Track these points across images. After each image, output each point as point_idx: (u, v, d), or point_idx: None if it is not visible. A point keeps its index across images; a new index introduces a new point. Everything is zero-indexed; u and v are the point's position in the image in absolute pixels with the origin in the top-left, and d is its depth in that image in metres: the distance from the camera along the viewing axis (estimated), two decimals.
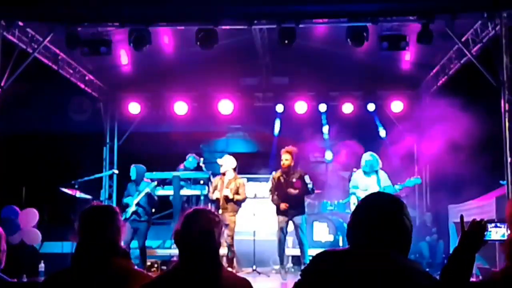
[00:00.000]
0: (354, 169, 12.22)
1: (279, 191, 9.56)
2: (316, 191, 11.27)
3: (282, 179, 9.57)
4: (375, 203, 2.64)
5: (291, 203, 9.42)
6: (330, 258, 2.58)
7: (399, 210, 2.57)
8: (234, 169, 10.28)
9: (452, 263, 2.64)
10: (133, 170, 10.20)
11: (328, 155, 13.99)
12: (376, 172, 9.67)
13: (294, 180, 9.46)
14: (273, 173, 9.85)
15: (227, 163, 10.29)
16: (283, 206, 9.41)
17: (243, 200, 10.05)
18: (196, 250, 2.71)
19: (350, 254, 2.55)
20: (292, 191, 9.44)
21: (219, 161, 10.48)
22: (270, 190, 9.73)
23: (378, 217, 2.55)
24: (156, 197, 10.13)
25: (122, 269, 2.98)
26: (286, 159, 9.53)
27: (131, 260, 3.14)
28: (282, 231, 9.52)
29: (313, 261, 2.61)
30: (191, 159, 12.42)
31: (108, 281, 2.91)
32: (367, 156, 9.69)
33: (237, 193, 9.91)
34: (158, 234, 12.17)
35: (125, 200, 10.02)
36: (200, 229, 2.75)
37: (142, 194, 10.07)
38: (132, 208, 9.95)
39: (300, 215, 9.45)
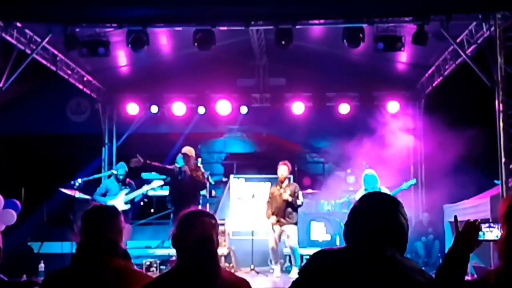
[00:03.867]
0: (349, 170, 12.33)
1: (273, 203, 9.97)
2: (313, 191, 11.39)
3: (276, 191, 9.99)
4: (371, 202, 2.69)
5: (284, 214, 9.84)
6: (327, 256, 2.63)
7: (394, 209, 2.61)
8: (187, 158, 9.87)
9: (447, 263, 2.69)
10: (123, 168, 10.28)
11: None
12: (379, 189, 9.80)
13: (288, 191, 9.87)
14: (271, 188, 10.27)
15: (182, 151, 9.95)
16: (273, 220, 9.88)
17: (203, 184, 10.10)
18: (195, 254, 2.72)
19: (347, 252, 2.59)
20: (286, 196, 9.81)
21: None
22: (267, 202, 10.14)
23: (374, 216, 2.59)
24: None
25: (121, 269, 2.99)
26: (284, 170, 9.99)
27: (131, 260, 3.14)
28: (275, 241, 9.93)
29: (310, 260, 2.65)
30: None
31: (108, 281, 2.92)
32: (367, 175, 9.81)
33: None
34: (157, 234, 12.25)
35: (103, 199, 10.07)
36: (199, 234, 2.75)
37: (138, 192, 10.20)
38: (123, 206, 9.98)
39: (292, 225, 9.88)
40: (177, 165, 9.75)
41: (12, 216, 9.66)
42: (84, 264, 3.00)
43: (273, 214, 9.91)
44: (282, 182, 9.97)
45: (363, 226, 2.60)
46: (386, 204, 2.64)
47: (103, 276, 2.93)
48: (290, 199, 9.76)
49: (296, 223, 9.95)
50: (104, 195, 10.20)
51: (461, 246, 2.72)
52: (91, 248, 3.03)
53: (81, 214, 3.20)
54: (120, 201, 10.03)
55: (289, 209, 9.85)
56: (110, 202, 9.92)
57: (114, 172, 10.85)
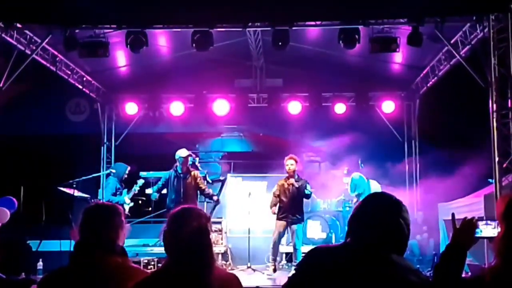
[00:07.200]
0: (346, 168, 12.42)
1: (281, 197, 9.94)
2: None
3: (286, 185, 9.94)
4: (375, 203, 2.70)
5: (290, 209, 9.82)
6: (323, 253, 2.68)
7: (396, 213, 2.61)
8: (186, 160, 10.24)
9: (444, 260, 2.74)
10: (123, 168, 10.45)
11: None
12: (365, 189, 9.94)
13: (298, 186, 9.83)
14: (279, 181, 10.20)
15: (179, 154, 10.26)
16: (273, 211, 9.92)
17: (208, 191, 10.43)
18: (191, 248, 2.72)
19: (342, 250, 2.64)
20: (292, 180, 9.80)
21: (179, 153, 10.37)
22: (274, 193, 10.12)
23: (375, 217, 2.62)
24: None
25: (119, 267, 3.02)
26: (291, 164, 9.92)
27: (128, 257, 3.17)
28: (279, 235, 9.94)
29: (307, 256, 2.70)
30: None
31: (106, 278, 2.95)
32: (349, 180, 9.94)
33: (197, 186, 10.17)
34: (155, 232, 12.30)
35: (118, 198, 10.26)
36: (195, 226, 2.76)
37: (133, 192, 10.42)
38: (130, 204, 10.26)
39: (298, 223, 9.87)
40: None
41: (5, 214, 9.73)
42: (82, 262, 3.03)
43: (280, 208, 9.90)
44: (291, 177, 9.91)
45: (362, 225, 2.63)
46: (388, 206, 2.65)
47: (100, 274, 2.96)
48: (297, 185, 9.75)
49: (302, 221, 9.97)
50: (114, 194, 10.39)
51: (459, 244, 2.77)
52: (89, 246, 3.06)
53: (81, 212, 3.21)
54: (127, 199, 10.31)
55: (297, 205, 9.86)
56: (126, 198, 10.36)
57: (113, 171, 10.99)
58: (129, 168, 10.61)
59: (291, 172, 9.91)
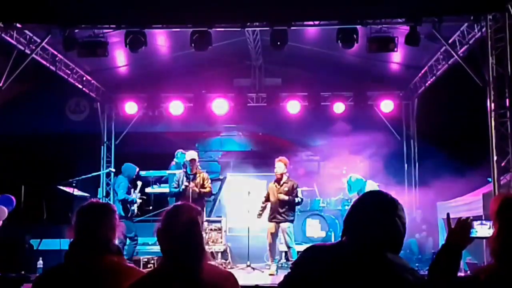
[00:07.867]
0: (344, 171, 12.46)
1: (272, 197, 10.01)
2: (308, 189, 11.51)
3: (275, 187, 10.01)
4: (371, 202, 2.67)
5: (279, 211, 9.87)
6: (320, 251, 2.67)
7: (393, 211, 2.58)
8: (194, 162, 10.48)
9: (439, 260, 2.75)
10: (134, 169, 10.55)
11: None
12: (361, 189, 10.00)
13: (286, 189, 9.88)
14: (270, 183, 10.28)
15: (187, 156, 10.59)
16: (258, 217, 10.11)
17: (210, 193, 10.66)
18: (183, 240, 2.73)
19: (339, 248, 2.63)
20: (282, 196, 9.85)
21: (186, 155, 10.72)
22: (264, 197, 10.22)
23: (370, 216, 2.59)
24: None
25: (114, 266, 3.00)
26: (279, 167, 9.97)
27: (123, 257, 3.17)
28: (272, 237, 9.99)
29: (303, 254, 2.69)
30: (179, 155, 12.57)
31: (101, 277, 2.94)
32: (344, 183, 9.97)
33: (202, 186, 10.33)
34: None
35: (132, 197, 10.40)
36: (185, 219, 2.78)
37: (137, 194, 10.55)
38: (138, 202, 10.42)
39: (288, 223, 9.91)
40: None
41: (3, 212, 9.74)
42: (77, 261, 3.02)
43: (270, 209, 10.00)
44: (280, 179, 9.98)
45: (358, 224, 2.61)
46: (384, 204, 2.62)
47: (96, 273, 2.95)
48: (286, 198, 9.80)
49: (292, 221, 10.00)
50: (128, 192, 10.49)
51: (454, 244, 2.78)
52: (84, 245, 3.05)
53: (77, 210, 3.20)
54: (138, 198, 10.48)
55: (285, 207, 9.88)
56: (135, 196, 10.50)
57: (113, 170, 11.06)
58: (137, 169, 10.70)
59: (278, 175, 9.97)
